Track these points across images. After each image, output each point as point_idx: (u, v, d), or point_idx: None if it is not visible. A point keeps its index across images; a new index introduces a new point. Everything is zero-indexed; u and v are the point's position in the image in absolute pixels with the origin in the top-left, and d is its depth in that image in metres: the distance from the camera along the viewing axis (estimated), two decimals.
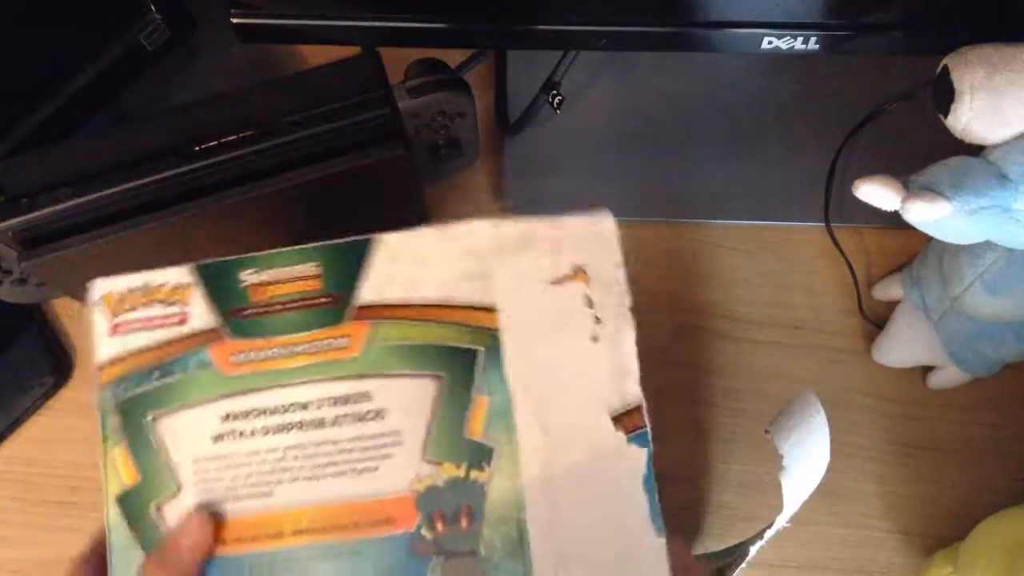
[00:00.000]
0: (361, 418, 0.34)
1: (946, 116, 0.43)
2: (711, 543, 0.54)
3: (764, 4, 0.48)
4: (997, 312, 0.49)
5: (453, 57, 0.56)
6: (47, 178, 0.44)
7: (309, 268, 0.35)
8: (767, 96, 0.62)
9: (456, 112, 0.53)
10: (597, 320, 0.35)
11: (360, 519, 0.33)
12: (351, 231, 0.56)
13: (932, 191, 0.42)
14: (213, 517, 0.33)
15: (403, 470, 0.34)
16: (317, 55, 0.60)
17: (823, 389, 0.45)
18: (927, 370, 0.57)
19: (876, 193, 0.42)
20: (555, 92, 0.58)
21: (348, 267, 0.35)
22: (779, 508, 0.41)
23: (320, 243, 0.35)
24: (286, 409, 0.34)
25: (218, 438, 0.34)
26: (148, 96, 0.59)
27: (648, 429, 0.34)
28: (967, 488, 0.56)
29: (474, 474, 0.33)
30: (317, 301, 0.35)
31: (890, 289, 0.57)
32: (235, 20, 0.49)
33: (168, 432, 0.34)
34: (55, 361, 0.58)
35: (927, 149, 0.44)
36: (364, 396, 0.34)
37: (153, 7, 0.55)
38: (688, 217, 0.60)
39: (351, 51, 0.47)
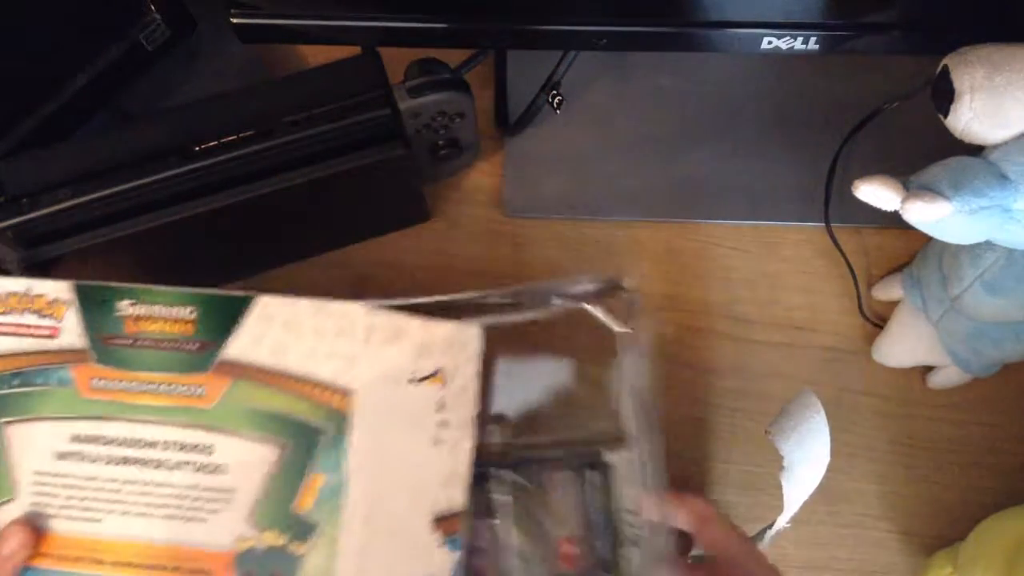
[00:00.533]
0: (200, 468, 0.35)
1: (946, 116, 0.43)
2: None
3: (764, 4, 0.48)
4: (997, 312, 0.49)
5: (453, 57, 0.56)
6: (47, 178, 0.44)
7: (185, 312, 0.36)
8: (767, 96, 0.62)
9: (456, 112, 0.53)
10: (443, 424, 0.36)
11: (180, 564, 0.34)
12: (351, 231, 0.55)
13: (932, 191, 0.42)
14: (38, 530, 0.34)
15: (228, 527, 0.34)
16: (317, 55, 0.60)
17: (823, 389, 0.45)
18: (927, 370, 0.57)
19: (876, 193, 0.42)
20: (555, 92, 0.58)
21: (222, 320, 0.36)
22: (779, 508, 0.41)
23: (202, 290, 0.36)
24: (132, 443, 0.35)
25: (62, 456, 0.35)
26: (148, 96, 0.58)
27: (462, 537, 0.35)
28: (967, 488, 0.56)
29: (293, 546, 0.34)
30: (185, 346, 0.36)
31: (890, 289, 0.57)
32: (235, 20, 0.49)
33: (15, 439, 0.35)
34: None
35: (927, 149, 0.44)
36: (207, 449, 0.35)
37: (153, 7, 0.55)
38: (688, 217, 0.60)
39: (351, 51, 0.48)
